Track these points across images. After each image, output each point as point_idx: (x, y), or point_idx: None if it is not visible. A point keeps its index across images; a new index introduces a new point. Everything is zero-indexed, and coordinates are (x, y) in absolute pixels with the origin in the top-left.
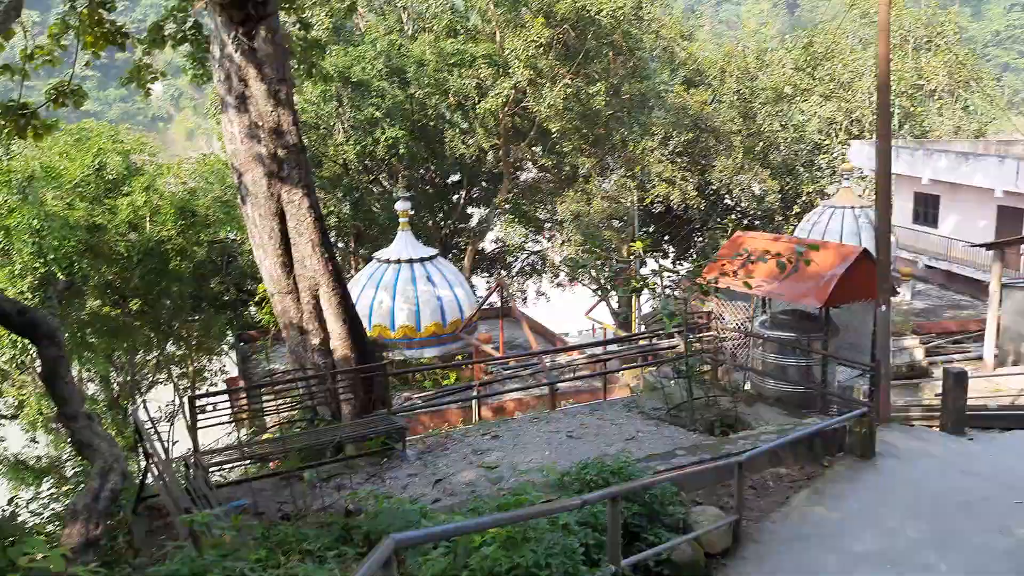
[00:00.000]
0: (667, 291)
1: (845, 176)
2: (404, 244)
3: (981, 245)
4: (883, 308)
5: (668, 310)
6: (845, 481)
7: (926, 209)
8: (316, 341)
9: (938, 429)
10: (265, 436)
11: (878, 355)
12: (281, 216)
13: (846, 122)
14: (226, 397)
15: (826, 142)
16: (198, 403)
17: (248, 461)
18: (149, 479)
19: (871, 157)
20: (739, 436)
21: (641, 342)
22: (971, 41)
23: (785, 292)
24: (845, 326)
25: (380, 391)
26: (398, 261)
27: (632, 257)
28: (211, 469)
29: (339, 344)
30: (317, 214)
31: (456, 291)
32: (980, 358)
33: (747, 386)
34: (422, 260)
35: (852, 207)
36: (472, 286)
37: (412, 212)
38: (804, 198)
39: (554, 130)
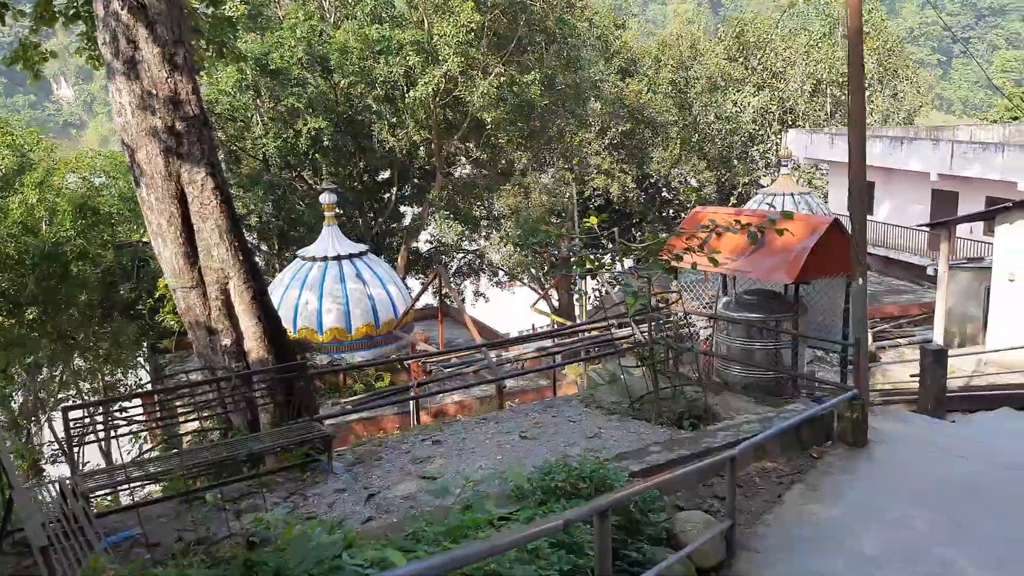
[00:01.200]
0: (625, 272)
1: (784, 163)
2: (331, 240)
3: (931, 224)
4: (860, 281)
5: (632, 289)
6: (840, 472)
7: None
8: (227, 342)
9: (916, 411)
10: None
11: (856, 333)
12: (182, 199)
13: (779, 112)
14: (126, 406)
15: (760, 132)
16: (73, 416)
17: (147, 482)
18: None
19: (807, 146)
20: (718, 428)
21: (593, 332)
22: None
23: (753, 268)
24: (811, 305)
25: (304, 396)
26: (324, 258)
27: (583, 237)
28: (97, 493)
29: (254, 344)
30: (224, 196)
31: (389, 289)
32: (926, 342)
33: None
34: (351, 257)
35: (791, 194)
36: (408, 288)
37: (340, 210)
38: (740, 189)
39: (488, 121)
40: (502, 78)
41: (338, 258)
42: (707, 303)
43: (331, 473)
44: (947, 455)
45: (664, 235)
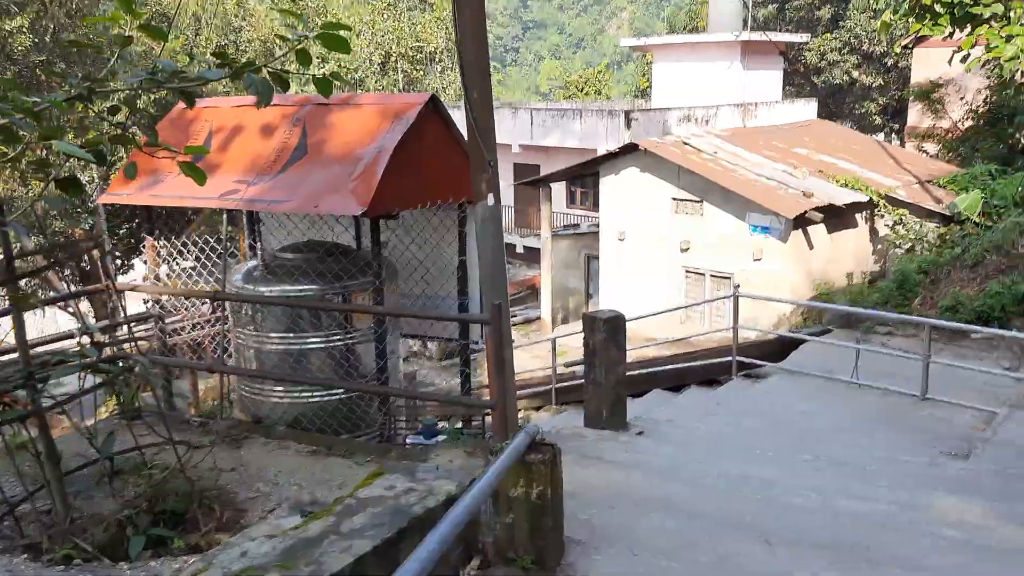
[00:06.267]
0: None
1: None
2: None
3: (531, 181)
4: (490, 201)
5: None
6: None
7: None
8: None
9: (584, 421)
10: None
11: (491, 296)
12: None
13: (348, 84)
14: None
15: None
16: None
17: None
18: None
19: None
20: None
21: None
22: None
23: (287, 194)
24: (403, 264)
25: None
26: None
27: None
28: None
29: None
30: None
31: None
32: (529, 321)
33: (236, 410)
34: None
35: None
36: None
37: None
38: None
39: None
40: None
41: None
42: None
43: None
44: (698, 538)
45: None
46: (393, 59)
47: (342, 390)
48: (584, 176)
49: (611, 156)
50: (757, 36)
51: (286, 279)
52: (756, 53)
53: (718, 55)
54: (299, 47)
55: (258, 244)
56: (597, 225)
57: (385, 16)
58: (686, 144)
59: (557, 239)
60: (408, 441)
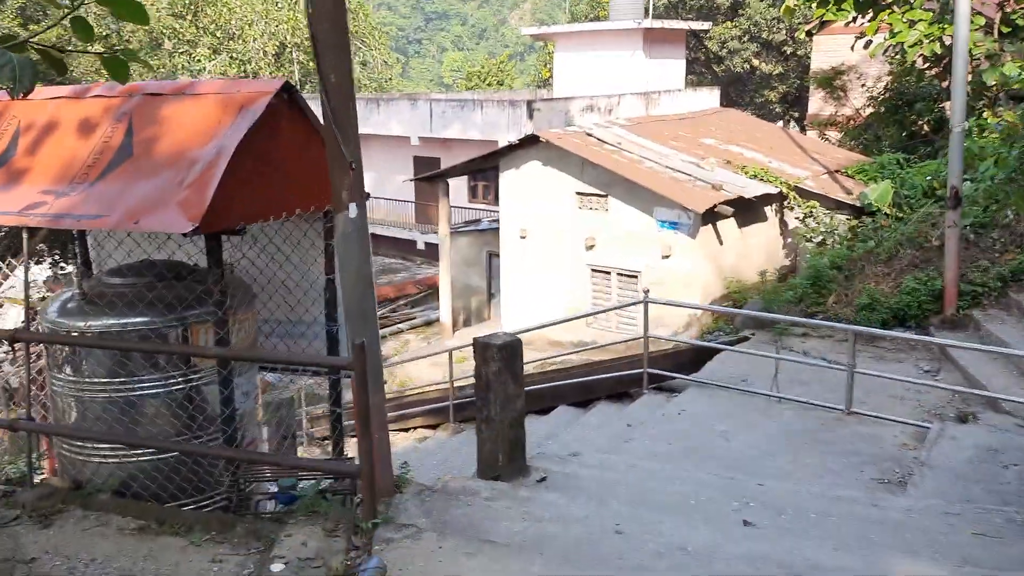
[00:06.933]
0: None
1: None
2: None
3: (428, 176)
4: (352, 212)
5: None
6: None
7: None
8: None
9: (476, 473)
10: None
11: (355, 331)
12: None
13: (241, 77)
14: None
15: None
16: None
17: None
18: None
19: None
20: None
21: None
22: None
23: (104, 206)
24: (261, 285)
25: None
26: None
27: None
28: None
29: None
30: None
31: None
32: (430, 323)
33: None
34: None
35: None
36: None
37: None
38: None
39: None
40: None
41: None
42: None
43: None
44: None
45: None
46: (288, 50)
47: (180, 448)
48: (485, 170)
49: (511, 149)
50: (659, 24)
51: (108, 311)
52: (658, 41)
53: (620, 43)
54: (73, 13)
55: (70, 267)
56: (498, 221)
57: (280, 5)
58: (589, 135)
59: (457, 236)
60: (263, 508)
